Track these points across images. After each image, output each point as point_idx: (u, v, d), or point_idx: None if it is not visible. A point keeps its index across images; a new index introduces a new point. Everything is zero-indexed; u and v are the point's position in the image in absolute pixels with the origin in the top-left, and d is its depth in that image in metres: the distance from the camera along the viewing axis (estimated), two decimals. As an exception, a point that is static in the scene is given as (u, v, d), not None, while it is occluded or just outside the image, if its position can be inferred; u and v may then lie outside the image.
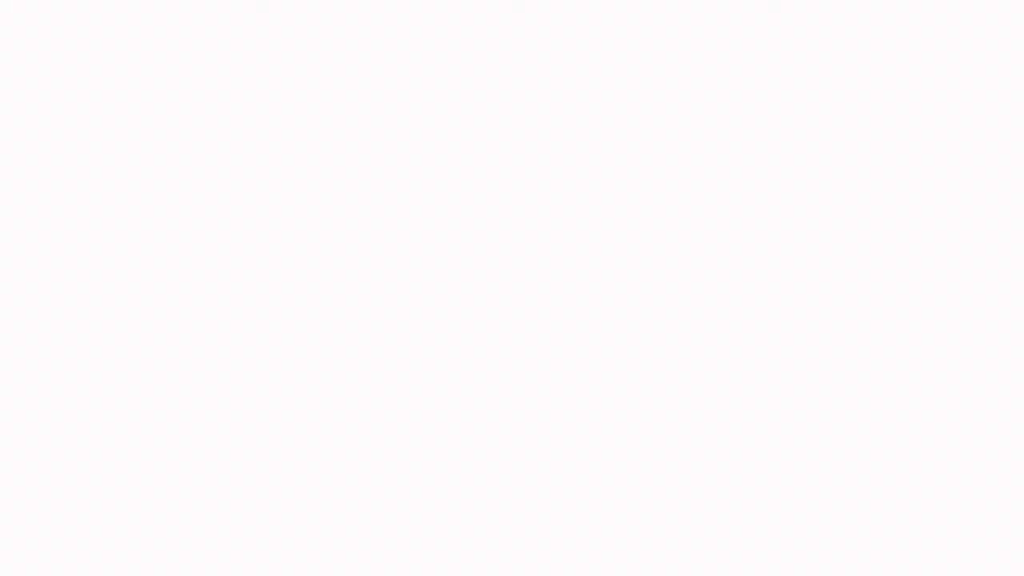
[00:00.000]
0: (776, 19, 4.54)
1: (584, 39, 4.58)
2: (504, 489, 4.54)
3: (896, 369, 4.52)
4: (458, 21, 4.59)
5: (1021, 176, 4.53)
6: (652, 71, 4.57)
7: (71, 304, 4.54)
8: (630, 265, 4.55)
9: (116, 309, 4.55)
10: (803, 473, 4.52)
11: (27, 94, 4.57)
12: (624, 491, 4.53)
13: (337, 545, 4.53)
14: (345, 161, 4.58)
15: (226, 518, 4.52)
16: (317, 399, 4.55)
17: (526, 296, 4.56)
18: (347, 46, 4.60)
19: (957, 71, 4.54)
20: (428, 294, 4.56)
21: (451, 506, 4.54)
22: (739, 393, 4.53)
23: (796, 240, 4.55)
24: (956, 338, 4.51)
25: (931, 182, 4.54)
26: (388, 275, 4.56)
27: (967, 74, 4.54)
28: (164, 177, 4.58)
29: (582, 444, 4.54)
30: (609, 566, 4.52)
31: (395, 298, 4.56)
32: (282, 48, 4.58)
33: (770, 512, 4.51)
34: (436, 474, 4.55)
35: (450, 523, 4.53)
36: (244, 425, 4.54)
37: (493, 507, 4.53)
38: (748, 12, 4.55)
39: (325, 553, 4.53)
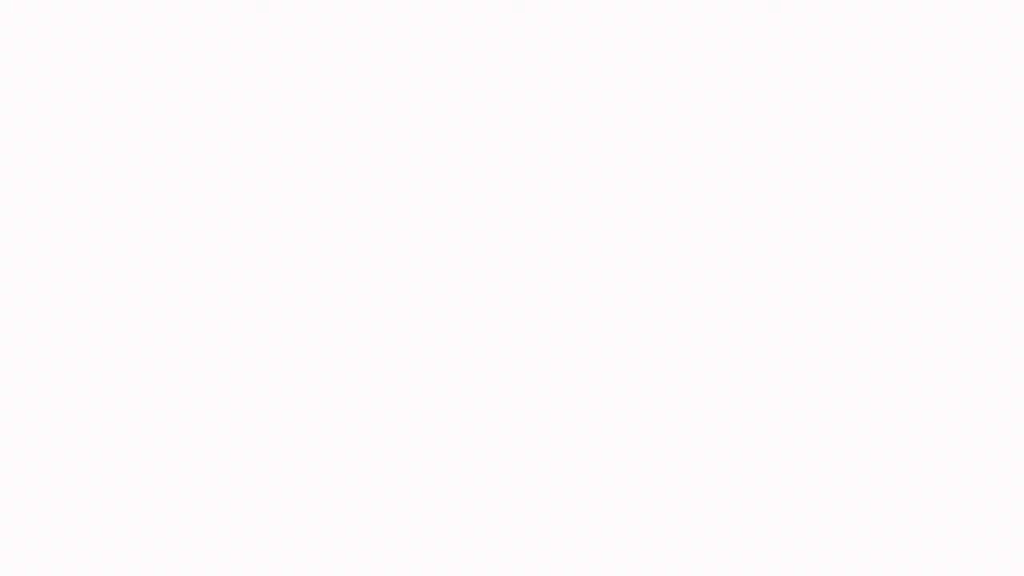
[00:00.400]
0: (776, 19, 4.54)
1: (584, 39, 4.58)
2: (504, 489, 4.54)
3: (896, 369, 4.52)
4: (458, 21, 4.59)
5: (1021, 176, 4.53)
6: (652, 71, 4.57)
7: (71, 304, 4.54)
8: (630, 265, 4.55)
9: (116, 309, 4.55)
10: (803, 473, 4.52)
11: (27, 94, 4.57)
12: (624, 491, 4.53)
13: (337, 545, 4.53)
14: (345, 161, 4.58)
15: (226, 518, 4.52)
16: (317, 399, 4.55)
17: (526, 296, 4.56)
18: (347, 46, 4.60)
19: (957, 71, 4.54)
20: (428, 294, 4.56)
21: (451, 506, 4.54)
22: (739, 393, 4.53)
23: (796, 240, 4.55)
24: (956, 338, 4.51)
25: (931, 182, 4.54)
26: (388, 275, 4.56)
27: (967, 74, 4.54)
28: (164, 177, 4.58)
29: (582, 444, 4.54)
30: (609, 566, 4.52)
31: (395, 298, 4.56)
32: (282, 48, 4.58)
33: (770, 512, 4.51)
34: (436, 474, 4.55)
35: (450, 523, 4.53)
36: (244, 425, 4.54)
37: (493, 507, 4.53)
38: (748, 12, 4.55)
39: (325, 553, 4.53)
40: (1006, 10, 4.52)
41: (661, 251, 4.55)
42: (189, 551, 4.52)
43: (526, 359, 4.55)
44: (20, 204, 4.56)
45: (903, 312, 4.53)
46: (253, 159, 4.58)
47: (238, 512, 4.52)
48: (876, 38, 4.55)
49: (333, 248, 4.56)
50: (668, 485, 4.53)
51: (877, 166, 4.55)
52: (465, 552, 4.53)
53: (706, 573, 4.50)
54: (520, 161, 4.58)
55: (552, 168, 4.58)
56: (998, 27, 4.53)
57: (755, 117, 4.56)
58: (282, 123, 4.58)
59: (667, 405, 4.54)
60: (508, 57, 4.58)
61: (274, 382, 4.55)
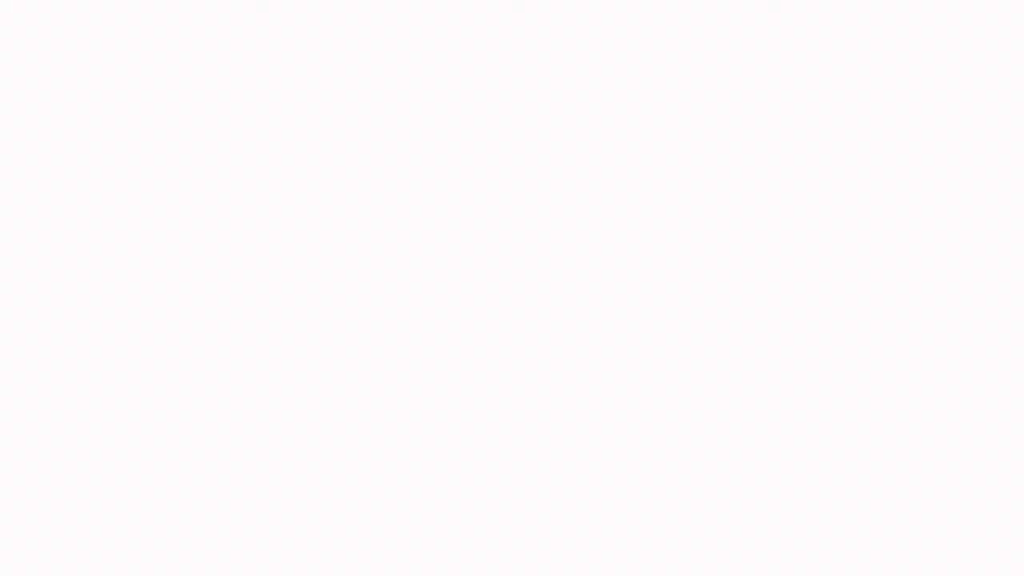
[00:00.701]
0: (776, 19, 4.54)
1: (584, 39, 4.58)
2: (504, 489, 4.54)
3: (896, 369, 4.52)
4: (458, 21, 4.59)
5: (1021, 176, 4.53)
6: (652, 71, 4.57)
7: (71, 304, 4.54)
8: (630, 265, 4.55)
9: (116, 309, 4.55)
10: (803, 473, 4.52)
11: (27, 94, 4.57)
12: (624, 491, 4.53)
13: (337, 545, 4.53)
14: (345, 161, 4.58)
15: (226, 518, 4.52)
16: (317, 399, 4.55)
17: (526, 296, 4.56)
18: (347, 46, 4.60)
19: (957, 71, 4.54)
20: (428, 294, 4.56)
21: (451, 506, 4.54)
22: (739, 393, 4.53)
23: (796, 240, 4.55)
24: (956, 338, 4.52)
25: (931, 182, 4.54)
26: (388, 275, 4.56)
27: (967, 74, 4.54)
28: (164, 177, 4.58)
29: (582, 444, 4.54)
30: (609, 566, 4.52)
31: (395, 298, 4.56)
32: (282, 48, 4.59)
33: (770, 512, 4.51)
34: (436, 474, 4.55)
35: (450, 523, 4.53)
36: (244, 425, 4.54)
37: (493, 507, 4.53)
38: (748, 12, 4.55)
39: (325, 553, 4.53)
40: (1006, 10, 4.52)
41: (661, 251, 4.56)
42: (189, 551, 4.52)
43: (526, 359, 4.55)
44: (20, 204, 4.56)
45: (903, 312, 4.53)
46: (253, 159, 4.58)
47: (238, 512, 4.53)
48: (876, 38, 4.55)
49: (333, 248, 4.57)
50: (667, 485, 4.53)
51: (877, 166, 4.55)
52: (465, 552, 4.53)
53: (706, 573, 4.50)
54: (520, 161, 4.58)
55: (552, 168, 4.58)
56: (998, 27, 4.53)
57: (755, 117, 4.56)
58: (282, 123, 4.58)
59: (667, 405, 4.54)
60: (508, 57, 4.58)
61: (274, 382, 4.55)
